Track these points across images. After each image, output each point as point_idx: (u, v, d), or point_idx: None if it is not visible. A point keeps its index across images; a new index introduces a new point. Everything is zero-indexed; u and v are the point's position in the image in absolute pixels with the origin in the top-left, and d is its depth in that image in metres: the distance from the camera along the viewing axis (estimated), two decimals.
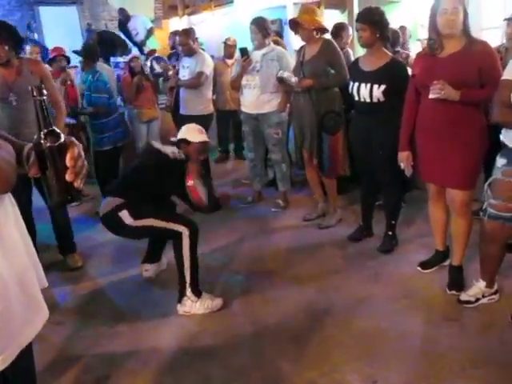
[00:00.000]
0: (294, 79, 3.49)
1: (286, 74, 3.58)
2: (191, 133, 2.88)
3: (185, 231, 2.59)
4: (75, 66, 5.24)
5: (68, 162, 0.97)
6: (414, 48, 5.27)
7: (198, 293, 2.62)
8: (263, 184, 4.46)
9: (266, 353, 2.24)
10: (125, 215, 2.63)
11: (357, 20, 3.00)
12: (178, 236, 2.60)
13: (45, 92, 0.97)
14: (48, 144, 0.95)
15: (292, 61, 3.87)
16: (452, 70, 2.36)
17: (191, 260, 2.60)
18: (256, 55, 3.87)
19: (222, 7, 7.67)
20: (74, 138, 1.01)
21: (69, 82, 4.51)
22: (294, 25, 3.48)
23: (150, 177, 2.72)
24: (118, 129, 4.28)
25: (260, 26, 3.82)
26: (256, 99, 3.91)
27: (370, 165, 3.16)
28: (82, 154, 1.02)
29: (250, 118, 4.07)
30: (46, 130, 0.96)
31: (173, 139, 3.04)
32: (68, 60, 4.84)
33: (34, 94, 0.96)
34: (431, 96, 2.37)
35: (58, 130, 0.97)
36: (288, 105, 4.04)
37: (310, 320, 2.49)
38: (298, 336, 2.36)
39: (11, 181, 1.00)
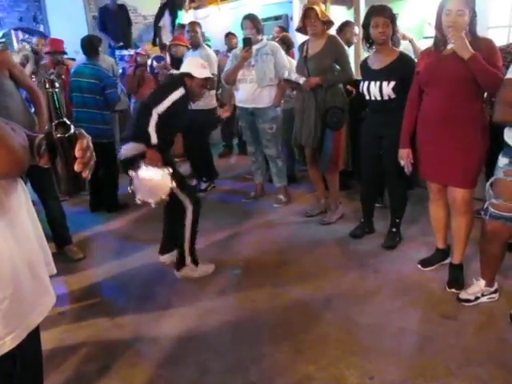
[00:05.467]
0: (301, 80, 3.46)
1: (293, 76, 3.55)
2: (195, 67, 2.93)
3: (189, 208, 2.81)
4: (73, 59, 5.22)
5: (77, 152, 1.00)
6: (422, 46, 5.24)
7: (196, 263, 2.95)
8: (265, 177, 4.47)
9: (264, 346, 2.26)
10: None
11: (377, 15, 2.89)
12: (182, 210, 2.79)
13: (57, 85, 1.01)
14: (58, 135, 0.98)
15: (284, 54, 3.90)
16: (455, 67, 2.36)
17: (191, 232, 2.85)
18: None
19: (228, 2, 7.65)
20: (83, 130, 1.04)
21: (63, 77, 4.43)
22: (307, 16, 3.37)
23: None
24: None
25: (254, 22, 3.83)
26: (252, 93, 3.91)
27: (377, 163, 3.14)
28: (91, 145, 1.06)
29: (246, 113, 4.08)
30: (56, 121, 0.99)
31: (173, 72, 3.01)
32: (64, 52, 4.77)
33: (47, 86, 1.00)
34: (449, 46, 2.34)
35: (69, 122, 1.00)
36: (282, 101, 4.05)
37: (308, 315, 2.50)
38: (296, 330, 2.37)
39: (25, 164, 1.03)
